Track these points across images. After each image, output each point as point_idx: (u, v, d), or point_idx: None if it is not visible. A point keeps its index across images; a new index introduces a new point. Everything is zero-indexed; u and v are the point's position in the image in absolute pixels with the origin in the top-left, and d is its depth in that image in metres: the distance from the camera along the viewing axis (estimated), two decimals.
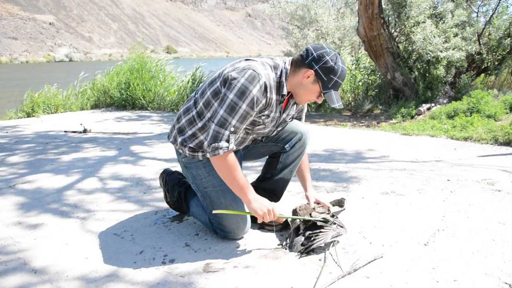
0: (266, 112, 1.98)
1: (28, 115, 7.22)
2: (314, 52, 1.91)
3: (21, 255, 2.05)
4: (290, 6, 13.89)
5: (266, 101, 1.91)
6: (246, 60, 1.96)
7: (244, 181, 1.92)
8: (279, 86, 1.96)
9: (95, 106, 8.32)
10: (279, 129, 2.22)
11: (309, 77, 1.92)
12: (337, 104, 1.92)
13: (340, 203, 2.52)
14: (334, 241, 2.03)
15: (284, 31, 14.73)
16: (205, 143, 1.88)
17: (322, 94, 1.95)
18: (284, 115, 2.14)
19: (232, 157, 1.89)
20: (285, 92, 1.97)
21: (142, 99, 7.90)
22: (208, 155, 1.90)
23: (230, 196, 2.09)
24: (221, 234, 2.14)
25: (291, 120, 2.26)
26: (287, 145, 2.25)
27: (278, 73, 1.96)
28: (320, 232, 2.02)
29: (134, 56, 8.54)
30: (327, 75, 1.90)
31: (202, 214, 2.24)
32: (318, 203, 2.25)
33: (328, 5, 14.57)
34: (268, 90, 1.89)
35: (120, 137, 5.14)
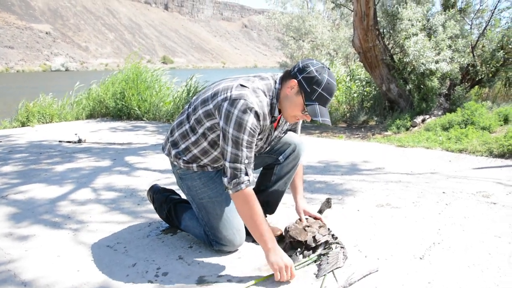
0: (259, 137, 1.98)
1: (23, 124, 7.18)
2: (300, 64, 1.89)
3: (11, 266, 2.01)
4: (286, 18, 13.99)
5: (260, 128, 1.91)
6: (239, 86, 1.88)
7: (266, 227, 1.87)
8: (271, 108, 1.93)
9: (90, 116, 8.29)
10: (272, 143, 2.21)
11: (293, 88, 1.87)
12: (320, 118, 1.82)
13: (327, 204, 2.48)
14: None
15: (280, 42, 14.82)
16: (225, 181, 1.86)
17: (305, 107, 1.87)
18: (276, 133, 2.12)
19: (253, 196, 1.87)
20: (276, 114, 1.95)
21: (137, 109, 7.88)
22: (230, 192, 1.88)
23: (226, 207, 2.07)
24: (217, 246, 2.12)
25: (284, 134, 2.25)
26: (280, 156, 2.24)
27: (271, 94, 1.93)
28: (329, 256, 2.00)
29: (130, 66, 8.54)
30: (310, 86, 1.83)
31: (196, 226, 2.21)
32: (308, 215, 2.23)
33: (323, 16, 14.69)
34: (261, 118, 1.87)
35: (114, 147, 5.11)
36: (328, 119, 1.85)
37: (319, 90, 1.83)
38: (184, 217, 2.27)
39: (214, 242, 2.12)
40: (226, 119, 1.83)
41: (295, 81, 1.87)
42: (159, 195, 2.40)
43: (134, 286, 1.82)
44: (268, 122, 1.94)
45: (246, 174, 1.85)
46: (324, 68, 1.86)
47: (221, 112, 1.85)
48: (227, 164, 1.84)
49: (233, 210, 2.08)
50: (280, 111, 1.97)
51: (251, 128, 1.82)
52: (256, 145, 2.03)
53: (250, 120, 1.81)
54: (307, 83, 1.84)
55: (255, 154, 2.22)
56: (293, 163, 2.25)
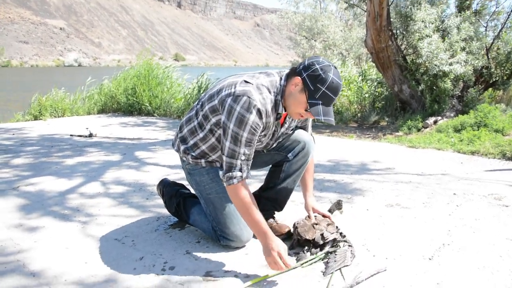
0: (262, 133, 1.98)
1: (35, 118, 7.26)
2: (306, 61, 1.86)
3: (20, 257, 2.03)
4: (298, 17, 13.95)
5: (263, 126, 1.90)
6: (243, 82, 1.88)
7: (259, 217, 1.88)
8: (275, 105, 1.92)
9: (102, 111, 8.35)
10: (280, 140, 2.20)
11: (297, 85, 1.85)
12: (323, 118, 1.80)
13: (338, 206, 2.46)
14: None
15: (292, 41, 14.80)
16: (220, 174, 1.91)
17: (307, 105, 1.84)
18: (282, 129, 2.11)
19: (245, 189, 1.88)
20: (280, 110, 1.94)
21: (148, 105, 7.91)
22: (225, 185, 1.91)
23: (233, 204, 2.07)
24: (224, 241, 2.12)
25: (293, 131, 2.23)
26: (290, 154, 2.22)
27: (275, 91, 1.92)
28: (336, 254, 1.98)
29: (141, 62, 8.58)
30: (314, 84, 1.80)
31: (204, 221, 2.21)
32: (317, 213, 2.22)
33: (336, 16, 14.62)
34: (264, 115, 1.86)
35: (125, 142, 5.14)
36: (331, 118, 1.83)
37: (323, 89, 1.80)
38: (193, 212, 2.27)
39: (222, 237, 2.12)
40: (228, 114, 1.84)
41: (300, 78, 1.84)
42: (169, 189, 2.41)
43: (141, 280, 1.82)
44: (271, 119, 1.94)
45: (240, 170, 1.87)
46: (330, 67, 1.82)
47: (224, 107, 1.86)
48: (224, 158, 1.87)
49: None
50: (285, 108, 1.96)
51: (251, 126, 1.82)
52: (260, 141, 2.03)
53: (252, 118, 1.81)
54: (311, 81, 1.81)
55: (263, 151, 2.22)
56: (302, 161, 2.23)
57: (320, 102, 1.81)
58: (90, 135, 5.44)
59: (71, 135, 5.49)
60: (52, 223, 2.48)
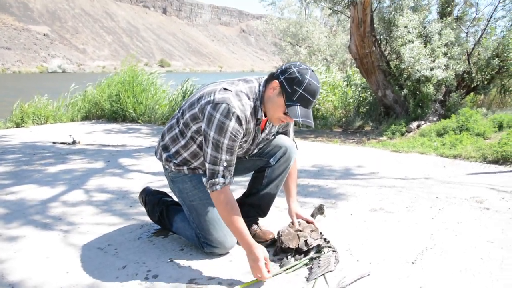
0: (243, 140, 2.00)
1: (17, 125, 7.15)
2: (283, 66, 1.89)
3: None
4: (283, 23, 14.04)
5: (243, 134, 1.91)
6: (222, 90, 1.89)
7: (241, 224, 1.87)
8: (255, 110, 1.93)
9: (86, 117, 8.27)
10: (261, 146, 2.20)
11: (275, 89, 1.87)
12: (301, 119, 1.80)
13: (320, 210, 2.47)
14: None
15: (277, 47, 14.87)
16: (204, 180, 1.92)
17: (285, 107, 1.85)
18: (263, 135, 2.11)
19: (228, 195, 1.89)
20: (260, 116, 1.94)
21: (132, 111, 7.86)
22: (209, 191, 1.92)
23: (216, 210, 2.05)
24: (208, 248, 2.11)
25: (274, 137, 2.24)
26: (271, 159, 2.23)
27: (254, 97, 1.93)
28: (320, 259, 1.98)
29: (126, 68, 8.52)
30: (291, 86, 1.81)
31: (187, 229, 2.20)
32: (301, 219, 2.22)
33: (320, 22, 14.75)
34: (244, 122, 1.87)
35: (109, 149, 5.09)
36: (310, 120, 1.84)
37: (300, 91, 1.81)
38: (176, 219, 2.26)
39: (205, 244, 2.10)
40: (208, 122, 1.85)
41: (277, 82, 1.86)
42: (151, 197, 2.39)
43: None
44: (251, 125, 1.95)
45: (223, 176, 1.87)
46: (307, 70, 1.84)
47: (204, 114, 1.87)
48: (207, 165, 1.88)
49: None
50: (265, 114, 1.97)
51: (231, 133, 1.83)
52: (241, 147, 2.04)
53: (232, 125, 1.82)
54: (288, 84, 1.82)
55: (245, 157, 2.22)
56: (284, 166, 2.24)
57: (298, 104, 1.83)
58: (74, 143, 5.38)
59: (53, 143, 5.42)
60: (33, 233, 2.44)
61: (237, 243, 2.19)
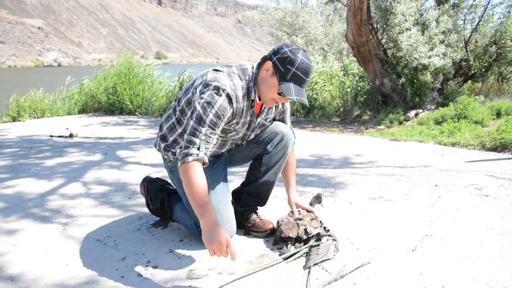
0: (234, 121, 1.99)
1: (14, 119, 7.11)
2: (276, 47, 1.92)
3: None
4: (279, 13, 13.96)
5: (232, 111, 1.91)
6: (214, 70, 1.94)
7: (204, 199, 1.75)
8: (248, 92, 1.95)
9: (83, 110, 8.23)
10: (257, 132, 2.20)
11: (268, 70, 1.89)
12: (295, 97, 1.81)
13: (318, 199, 2.46)
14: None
15: (273, 37, 14.80)
16: (177, 151, 1.84)
17: (279, 87, 1.86)
18: (259, 119, 2.11)
19: (198, 168, 1.79)
20: (253, 97, 1.95)
21: (129, 104, 7.82)
22: (178, 164, 1.83)
23: (214, 198, 2.06)
24: None
25: (271, 123, 2.23)
26: (268, 145, 2.22)
27: (247, 78, 1.95)
28: (319, 247, 1.98)
29: (122, 60, 8.47)
30: (284, 66, 1.84)
31: (187, 218, 2.19)
32: (300, 208, 2.22)
33: (317, 11, 14.66)
34: (234, 101, 1.88)
35: (106, 142, 5.07)
36: (304, 98, 1.85)
37: (293, 70, 1.83)
38: (176, 208, 2.26)
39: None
40: (198, 98, 1.87)
41: (270, 63, 1.88)
42: (154, 184, 2.39)
43: (123, 280, 1.79)
44: (242, 105, 1.95)
45: (198, 149, 1.81)
46: (299, 49, 1.87)
47: (195, 94, 1.90)
48: (185, 137, 1.84)
49: (222, 201, 2.08)
50: (260, 97, 1.99)
51: (218, 109, 1.83)
52: (235, 130, 2.04)
53: (220, 101, 1.83)
54: (281, 63, 1.85)
55: (242, 144, 2.21)
56: (282, 152, 2.22)
57: (291, 82, 1.84)
58: (71, 136, 5.36)
59: (51, 136, 5.40)
60: (31, 226, 2.42)
61: (237, 233, 2.19)
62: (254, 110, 2.04)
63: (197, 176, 1.77)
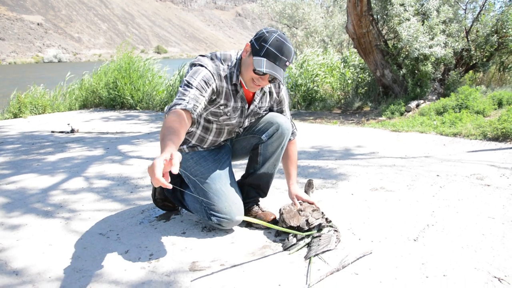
0: (221, 102, 2.05)
1: (15, 115, 7.12)
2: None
3: (1, 256, 1.99)
4: (279, 5, 13.89)
5: (216, 86, 1.99)
6: (200, 56, 2.07)
7: (166, 137, 1.59)
8: (230, 76, 2.04)
9: (83, 106, 8.23)
10: (252, 120, 2.24)
11: (247, 51, 1.98)
12: (264, 69, 1.86)
13: (310, 185, 2.44)
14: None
15: None
16: (166, 108, 1.85)
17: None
18: (252, 107, 2.17)
19: (179, 114, 1.73)
20: (235, 81, 2.03)
21: (130, 98, 7.82)
22: (165, 117, 1.76)
23: (219, 182, 2.14)
24: (216, 219, 2.12)
25: (266, 112, 2.26)
26: (263, 135, 2.22)
27: (229, 64, 2.05)
28: (321, 238, 1.99)
29: (122, 55, 8.46)
30: (258, 44, 1.92)
31: (196, 201, 2.23)
32: (301, 200, 2.23)
33: (316, 3, 14.58)
34: (216, 78, 1.99)
35: (107, 136, 5.07)
36: (276, 73, 1.88)
37: (267, 46, 1.90)
38: (187, 192, 2.30)
39: (212, 216, 2.12)
40: (186, 74, 1.97)
41: (248, 43, 1.98)
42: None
43: (127, 273, 1.80)
44: (225, 86, 2.03)
45: (188, 102, 1.82)
46: (277, 31, 1.95)
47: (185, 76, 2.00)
48: (175, 100, 1.86)
49: (227, 184, 2.15)
50: (244, 83, 2.05)
51: (204, 75, 1.94)
52: (225, 114, 2.10)
53: (205, 71, 1.95)
54: (257, 42, 1.94)
55: (238, 133, 2.28)
56: (277, 142, 2.23)
57: (264, 58, 1.90)
58: (72, 131, 5.36)
59: (52, 132, 5.41)
60: (34, 221, 2.44)
61: (240, 225, 2.20)
62: (244, 96, 2.11)
63: (172, 118, 1.71)
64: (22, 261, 1.94)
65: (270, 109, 2.29)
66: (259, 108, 2.20)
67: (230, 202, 2.11)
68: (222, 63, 2.04)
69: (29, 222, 2.42)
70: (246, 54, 1.98)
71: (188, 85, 1.89)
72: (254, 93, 2.15)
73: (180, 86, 1.91)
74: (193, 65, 2.01)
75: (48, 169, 3.57)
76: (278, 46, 1.89)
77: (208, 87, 1.94)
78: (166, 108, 1.84)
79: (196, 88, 1.88)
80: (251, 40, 1.98)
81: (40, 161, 3.88)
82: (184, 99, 1.83)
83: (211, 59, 2.04)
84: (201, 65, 1.97)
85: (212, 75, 1.97)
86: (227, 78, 2.03)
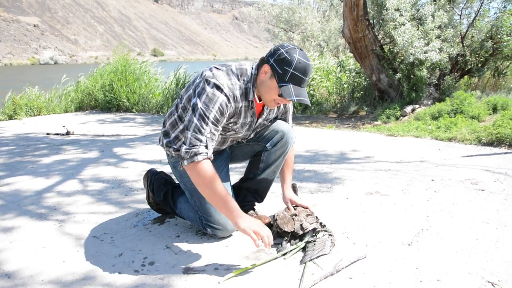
0: (231, 120, 1.99)
1: (10, 117, 7.09)
2: (272, 49, 1.90)
3: None
4: (275, 9, 13.95)
5: (231, 111, 1.92)
6: (214, 68, 1.93)
7: (226, 194, 1.82)
8: (246, 92, 1.94)
9: (79, 108, 8.21)
10: (258, 130, 2.20)
11: (266, 72, 1.88)
12: (295, 98, 1.81)
13: (294, 189, 2.43)
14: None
15: (270, 33, 14.79)
16: (183, 149, 1.82)
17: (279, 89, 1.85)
18: (260, 120, 2.12)
19: (210, 166, 1.82)
20: (251, 98, 1.95)
21: (126, 101, 7.80)
22: (185, 163, 1.82)
23: None
24: (210, 230, 2.12)
25: (271, 122, 2.23)
26: (268, 143, 2.22)
27: (245, 79, 1.94)
28: (315, 243, 1.99)
29: (118, 57, 8.44)
30: (281, 67, 1.83)
31: (191, 210, 2.22)
32: (295, 205, 2.22)
33: (313, 7, 14.64)
34: (232, 100, 1.88)
35: (103, 139, 5.06)
36: (305, 98, 1.84)
37: (291, 70, 1.82)
38: (180, 200, 2.28)
39: (207, 226, 2.12)
40: (198, 95, 1.86)
41: (268, 65, 1.87)
42: (158, 177, 2.40)
43: (120, 276, 1.80)
44: (241, 105, 1.95)
45: (206, 147, 1.82)
46: (295, 49, 1.85)
47: (195, 91, 1.89)
48: (189, 134, 1.82)
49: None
50: (260, 98, 1.99)
51: (220, 105, 1.84)
52: (233, 130, 2.05)
53: (221, 98, 1.84)
54: (278, 65, 1.84)
55: (242, 141, 2.21)
56: (281, 151, 2.23)
57: (290, 83, 1.83)
58: (67, 133, 5.35)
59: (47, 134, 5.39)
60: (28, 223, 2.42)
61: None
62: (255, 111, 2.04)
63: (212, 174, 1.80)
64: (14, 263, 1.92)
65: (275, 117, 2.27)
66: (267, 120, 2.17)
67: None
68: (238, 79, 1.92)
69: (23, 224, 2.41)
70: (266, 75, 1.89)
71: (204, 118, 1.81)
72: (263, 106, 2.09)
73: (193, 113, 1.82)
74: (207, 82, 1.86)
75: (42, 171, 3.56)
76: (302, 68, 1.82)
77: (224, 117, 1.87)
78: (183, 150, 1.81)
79: (212, 123, 1.83)
80: (268, 60, 1.87)
81: (34, 163, 3.86)
82: (201, 140, 1.81)
83: (227, 74, 1.91)
84: (217, 86, 1.84)
85: (228, 100, 1.86)
86: (242, 95, 1.94)
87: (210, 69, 1.93)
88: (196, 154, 1.80)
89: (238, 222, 1.79)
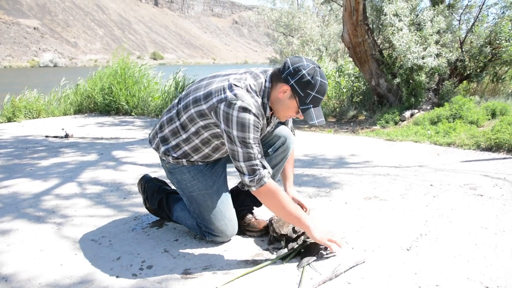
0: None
1: (9, 120, 7.08)
2: (290, 66, 1.84)
3: None
4: (275, 14, 13.98)
5: (261, 126, 1.91)
6: (233, 85, 1.84)
7: (299, 210, 1.90)
8: (264, 108, 1.90)
9: (78, 111, 8.21)
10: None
11: (285, 92, 1.86)
12: (317, 121, 1.85)
13: None
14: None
15: (270, 38, 14.81)
16: (246, 180, 1.84)
17: (299, 110, 1.88)
18: (268, 128, 2.11)
19: (276, 186, 1.88)
20: (268, 114, 1.93)
21: (125, 104, 7.80)
22: (253, 190, 1.87)
23: (216, 199, 2.08)
24: (210, 237, 2.11)
25: (275, 128, 2.22)
26: (270, 149, 2.21)
27: (262, 94, 1.90)
28: (311, 246, 1.99)
29: (117, 60, 8.45)
30: (303, 90, 1.82)
31: (188, 217, 2.20)
32: (297, 203, 2.22)
33: (313, 12, 14.69)
34: (261, 117, 1.86)
35: (102, 142, 5.05)
36: (322, 118, 1.88)
37: (313, 94, 1.84)
38: (176, 208, 2.26)
39: (207, 233, 2.11)
40: (226, 121, 1.80)
41: (287, 86, 1.85)
42: (151, 184, 2.38)
43: (118, 280, 1.79)
44: (264, 121, 1.95)
45: (264, 167, 1.85)
46: (316, 69, 1.83)
47: (218, 114, 1.82)
48: (242, 164, 1.83)
49: (224, 201, 2.09)
50: (271, 109, 1.96)
51: (254, 125, 1.81)
52: None
53: (252, 118, 1.80)
54: (301, 88, 1.83)
55: None
56: (282, 156, 2.23)
57: (311, 106, 1.86)
58: (66, 136, 5.34)
59: (46, 136, 5.38)
60: (26, 226, 2.42)
61: (237, 233, 2.19)
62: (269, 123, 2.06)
63: (281, 194, 1.88)
64: (12, 266, 1.92)
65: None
66: (272, 126, 2.16)
67: (226, 220, 2.07)
68: (258, 95, 1.87)
69: (21, 227, 2.40)
70: (284, 95, 1.86)
71: (245, 143, 1.80)
72: (270, 117, 2.06)
73: (232, 142, 1.80)
74: (232, 105, 1.79)
75: (41, 174, 3.55)
76: (323, 91, 1.85)
77: (259, 132, 1.87)
78: (246, 180, 1.84)
79: (254, 143, 1.82)
80: (288, 79, 1.83)
81: (33, 165, 3.86)
82: (257, 164, 1.83)
83: (248, 91, 1.84)
84: (244, 108, 1.78)
85: (258, 118, 1.82)
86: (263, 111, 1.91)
87: (230, 88, 1.84)
88: (261, 179, 1.84)
89: (314, 235, 1.88)
